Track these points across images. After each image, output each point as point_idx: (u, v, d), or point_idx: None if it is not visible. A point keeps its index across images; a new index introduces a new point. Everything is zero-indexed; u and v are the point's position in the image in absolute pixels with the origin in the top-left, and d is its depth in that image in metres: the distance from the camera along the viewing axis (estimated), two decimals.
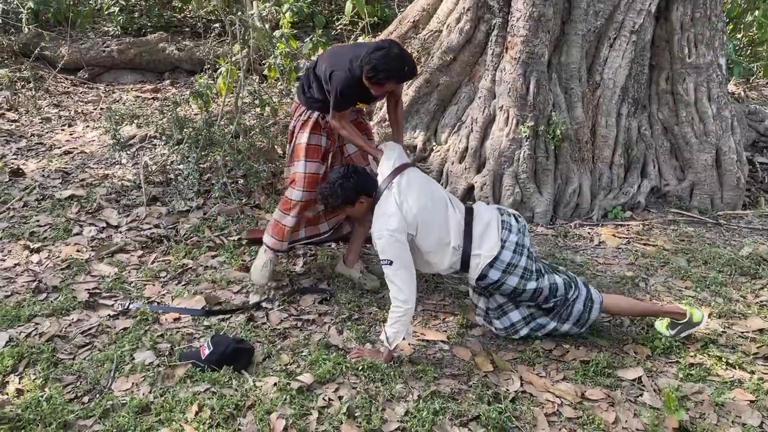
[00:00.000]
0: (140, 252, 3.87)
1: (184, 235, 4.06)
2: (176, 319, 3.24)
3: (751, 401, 2.80)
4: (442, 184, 4.63)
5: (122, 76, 7.12)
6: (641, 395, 2.84)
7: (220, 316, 3.29)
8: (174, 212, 4.29)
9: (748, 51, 7.29)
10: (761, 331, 3.28)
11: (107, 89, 6.84)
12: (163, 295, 3.47)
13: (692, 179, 4.79)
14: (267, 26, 4.71)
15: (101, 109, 6.21)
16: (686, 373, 2.97)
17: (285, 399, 2.68)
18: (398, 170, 3.08)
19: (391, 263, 2.89)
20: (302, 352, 3.03)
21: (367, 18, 6.27)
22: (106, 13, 7.43)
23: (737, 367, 3.02)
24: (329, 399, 2.71)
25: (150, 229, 4.10)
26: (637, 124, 4.79)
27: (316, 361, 2.93)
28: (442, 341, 3.17)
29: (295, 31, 5.34)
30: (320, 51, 5.18)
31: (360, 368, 2.89)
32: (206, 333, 3.14)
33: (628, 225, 4.46)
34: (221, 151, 4.50)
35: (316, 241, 3.91)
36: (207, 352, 2.87)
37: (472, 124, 4.66)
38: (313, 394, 2.73)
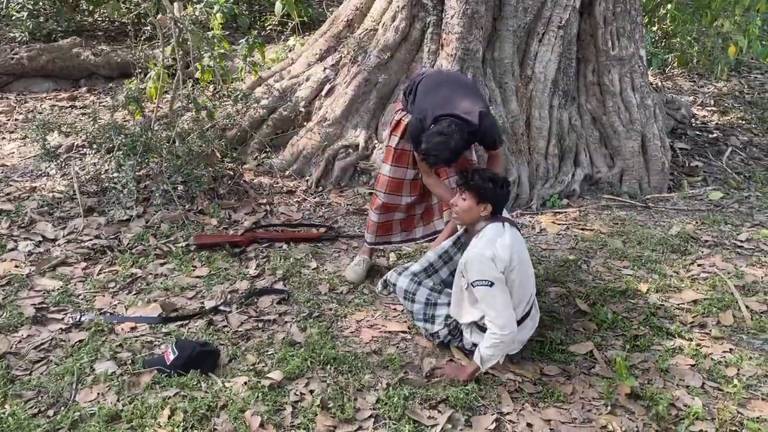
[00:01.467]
0: (84, 264, 3.73)
1: (128, 244, 3.94)
2: (133, 328, 3.16)
3: (692, 365, 3.02)
4: None
5: (34, 85, 6.71)
6: (594, 367, 3.00)
7: (178, 323, 3.23)
8: (114, 222, 4.15)
9: (663, 43, 7.70)
10: (695, 302, 3.53)
11: (19, 99, 6.46)
12: (115, 305, 3.37)
13: (621, 166, 5.07)
14: (198, 27, 4.62)
15: (15, 120, 5.91)
16: (632, 344, 3.16)
17: (257, 397, 2.68)
18: (509, 221, 2.94)
19: (491, 285, 2.71)
20: (267, 351, 3.02)
21: (297, 18, 6.28)
22: (12, 18, 7.06)
23: (676, 335, 3.24)
24: (301, 393, 2.74)
25: (90, 240, 3.95)
26: (568, 116, 5.02)
27: (283, 359, 2.93)
28: (402, 332, 3.23)
29: (227, 32, 5.27)
30: (255, 52, 5.13)
31: (326, 362, 2.92)
32: (166, 339, 3.08)
33: (565, 212, 4.67)
34: (159, 158, 4.39)
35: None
36: (172, 357, 2.82)
37: None
38: (285, 390, 2.74)
